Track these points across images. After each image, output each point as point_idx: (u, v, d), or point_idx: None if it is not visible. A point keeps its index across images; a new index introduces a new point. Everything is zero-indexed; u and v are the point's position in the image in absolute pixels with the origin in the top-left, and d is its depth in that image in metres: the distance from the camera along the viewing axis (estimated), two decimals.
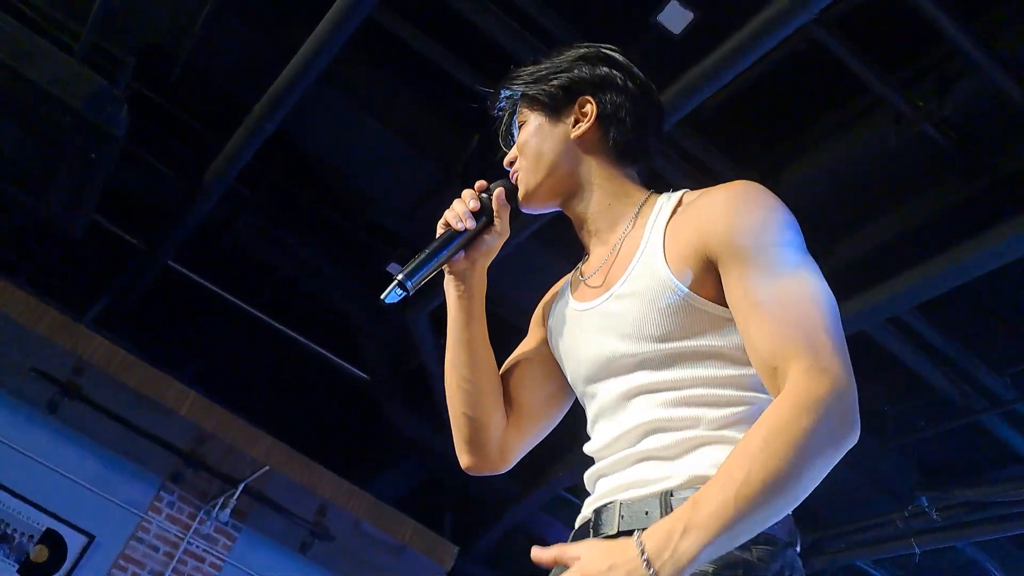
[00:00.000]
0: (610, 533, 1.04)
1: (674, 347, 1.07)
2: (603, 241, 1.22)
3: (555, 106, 1.25)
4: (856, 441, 0.97)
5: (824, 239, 4.08)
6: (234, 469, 4.91)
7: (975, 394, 4.24)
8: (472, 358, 1.23)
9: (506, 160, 1.30)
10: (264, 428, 4.78)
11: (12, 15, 3.97)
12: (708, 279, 1.07)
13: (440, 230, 1.21)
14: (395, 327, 4.95)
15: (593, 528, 1.08)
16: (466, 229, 1.20)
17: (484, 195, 1.24)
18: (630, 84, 1.25)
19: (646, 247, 1.13)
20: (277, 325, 4.93)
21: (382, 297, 1.16)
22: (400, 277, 1.14)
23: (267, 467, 4.74)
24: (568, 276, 1.32)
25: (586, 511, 1.13)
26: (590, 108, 1.23)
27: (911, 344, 4.13)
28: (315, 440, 4.98)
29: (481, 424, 1.24)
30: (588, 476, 1.17)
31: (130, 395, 4.51)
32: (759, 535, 0.94)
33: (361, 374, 5.28)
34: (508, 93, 1.31)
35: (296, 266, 4.73)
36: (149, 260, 4.72)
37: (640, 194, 1.24)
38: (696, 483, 1.00)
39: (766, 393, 1.06)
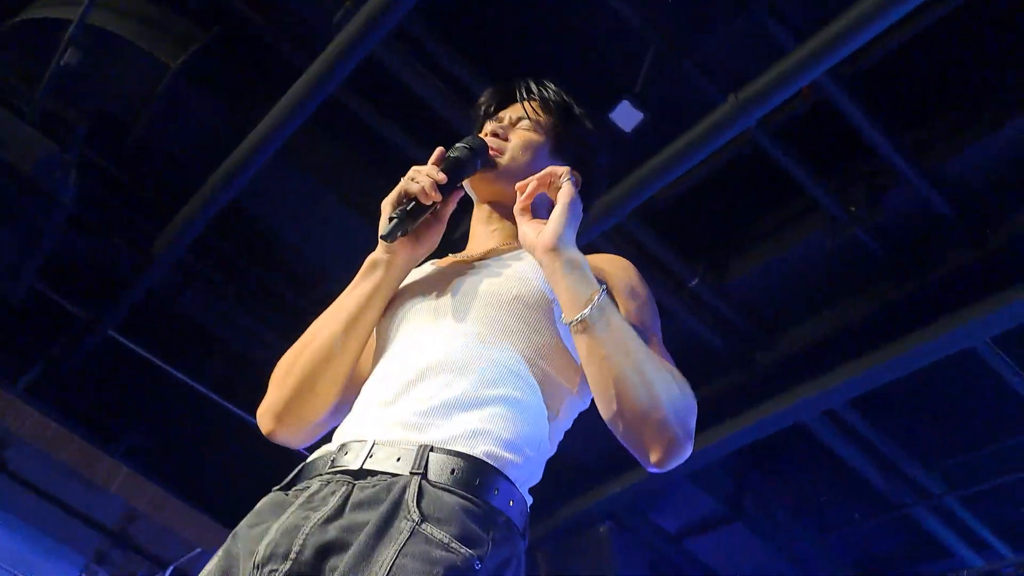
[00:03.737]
0: (354, 468, 1.01)
1: (525, 326, 1.12)
2: (490, 243, 1.30)
3: (559, 150, 1.33)
4: (681, 456, 1.07)
5: (765, 333, 4.23)
6: (165, 550, 4.70)
7: (906, 488, 4.37)
8: (363, 333, 1.20)
9: (505, 121, 1.32)
10: (200, 508, 4.60)
11: None
12: None
13: (391, 201, 1.18)
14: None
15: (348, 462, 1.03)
16: (434, 203, 1.17)
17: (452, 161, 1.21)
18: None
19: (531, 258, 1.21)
20: (220, 400, 4.80)
21: (383, 236, 1.15)
22: (397, 219, 1.14)
23: (199, 549, 4.55)
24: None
25: (336, 442, 1.08)
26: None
27: (846, 437, 4.26)
28: None
29: (322, 396, 1.19)
30: (354, 408, 1.14)
31: (58, 470, 4.31)
32: (501, 517, 0.98)
33: (306, 453, 5.15)
34: (547, 99, 1.35)
35: (245, 340, 4.65)
36: (89, 329, 4.59)
37: None
38: (456, 443, 1.01)
39: (546, 423, 1.12)
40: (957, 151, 3.61)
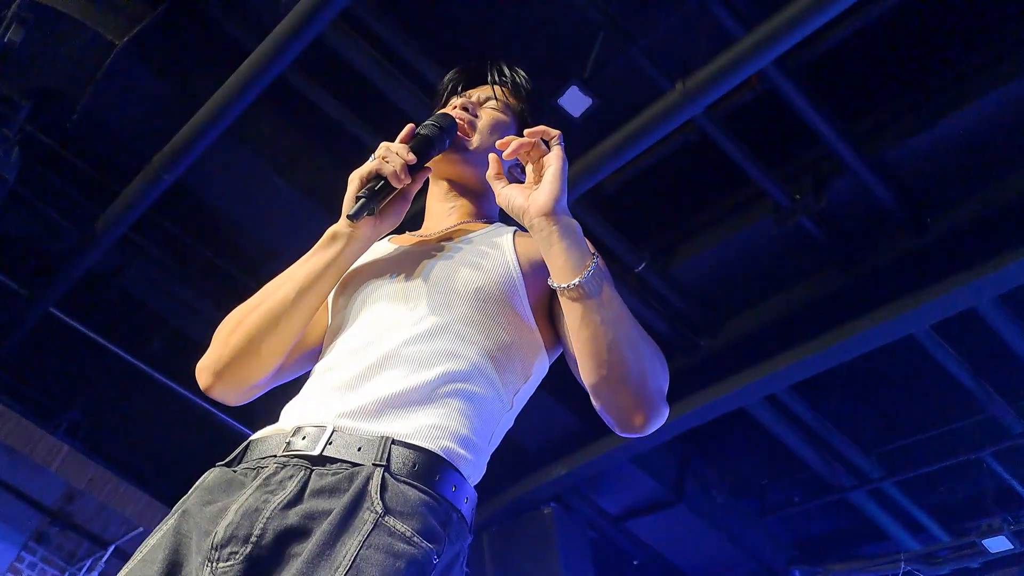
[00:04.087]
0: (313, 455, 1.01)
1: (477, 312, 1.13)
2: (450, 221, 1.30)
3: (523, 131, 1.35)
4: (660, 420, 1.10)
5: (710, 319, 4.27)
6: (105, 529, 4.66)
7: (845, 472, 4.45)
8: (314, 302, 1.19)
9: (473, 99, 1.33)
10: (141, 486, 4.57)
11: None
12: (542, 283, 1.15)
13: (359, 178, 1.16)
14: (286, 385, 4.86)
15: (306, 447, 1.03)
16: (398, 185, 1.15)
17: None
18: None
19: (495, 234, 1.22)
20: (162, 378, 4.76)
21: (349, 215, 1.13)
22: (365, 198, 1.12)
23: (140, 528, 4.52)
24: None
25: (290, 423, 1.07)
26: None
27: (787, 422, 4.33)
28: None
29: (264, 359, 1.18)
30: (298, 396, 1.14)
31: None
32: (455, 513, 1.01)
33: (247, 431, 5.14)
34: (517, 84, 1.37)
35: (188, 318, 4.62)
36: (30, 306, 4.53)
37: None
38: (417, 437, 1.02)
39: (500, 416, 1.14)
40: (899, 141, 3.67)
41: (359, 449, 1.00)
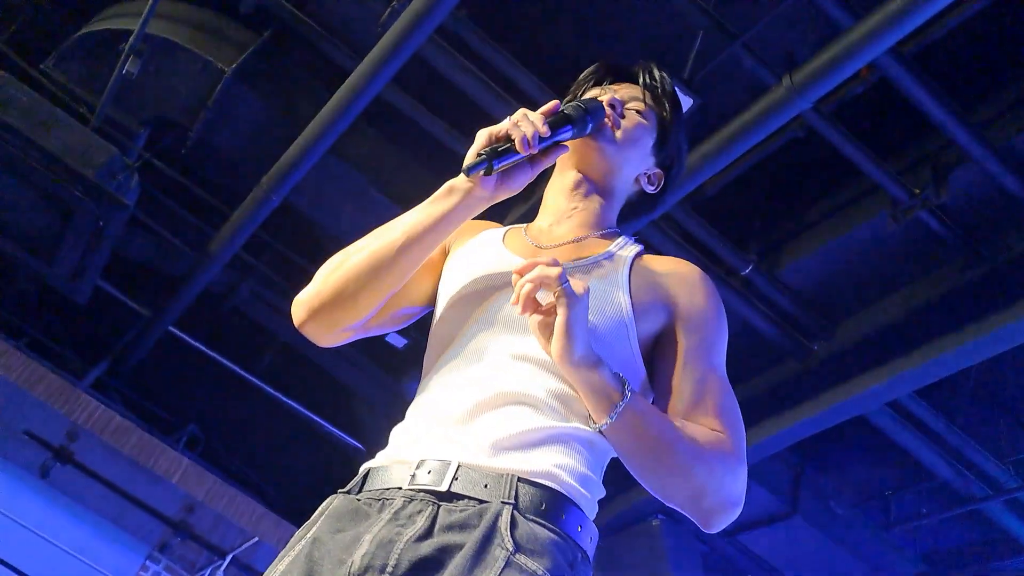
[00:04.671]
0: (440, 490, 1.02)
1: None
2: (569, 225, 1.26)
3: (660, 148, 1.33)
4: (729, 520, 1.11)
5: (823, 322, 4.10)
6: (223, 539, 4.83)
7: (976, 481, 4.19)
8: (418, 254, 1.16)
9: (619, 97, 1.29)
10: (255, 497, 4.72)
11: (32, 87, 4.09)
12: (651, 323, 1.16)
13: (488, 135, 1.10)
14: (392, 396, 4.94)
15: (424, 480, 1.03)
16: (523, 152, 1.09)
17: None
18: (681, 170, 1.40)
19: (616, 265, 1.19)
20: (273, 392, 4.92)
21: (464, 169, 1.08)
22: (485, 156, 1.07)
23: (256, 538, 4.66)
24: (493, 226, 1.33)
25: (412, 455, 1.07)
26: (660, 177, 1.35)
27: (912, 429, 4.10)
28: (307, 511, 4.88)
29: (360, 306, 1.16)
30: (415, 420, 1.14)
31: (123, 462, 4.48)
32: (580, 551, 1.03)
33: (357, 444, 5.25)
34: (667, 92, 1.33)
35: (296, 333, 4.73)
36: (151, 326, 4.75)
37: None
38: (543, 476, 1.03)
39: (609, 452, 1.14)
40: None
41: (485, 486, 1.01)
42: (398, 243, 1.14)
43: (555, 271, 1.02)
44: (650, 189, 1.33)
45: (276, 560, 1.04)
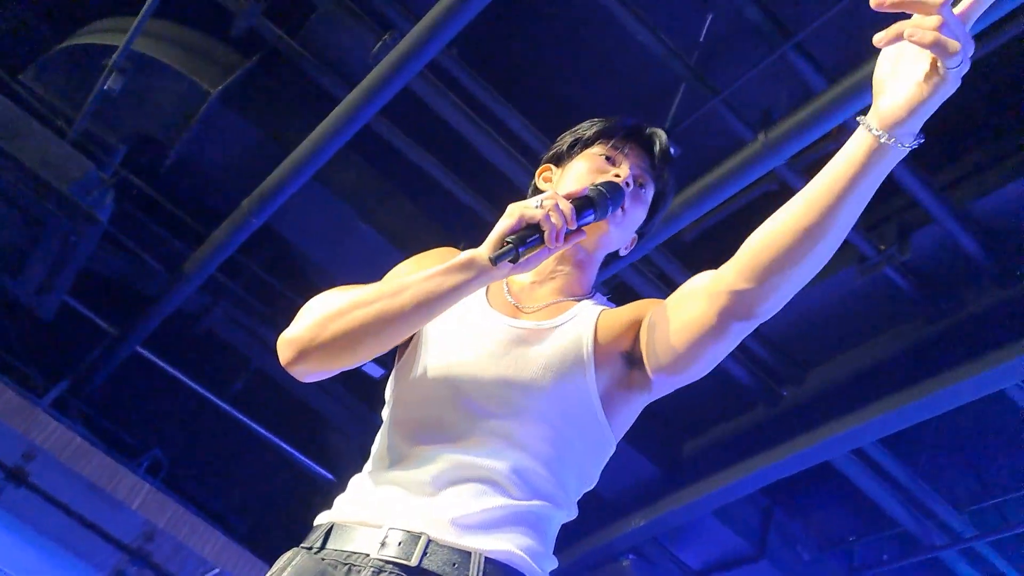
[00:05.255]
0: (411, 565, 1.05)
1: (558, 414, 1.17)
2: (551, 287, 1.31)
3: (652, 213, 1.40)
4: None
5: (794, 369, 4.20)
6: (182, 569, 4.68)
7: (936, 530, 4.29)
8: (426, 320, 1.18)
9: (631, 169, 1.34)
10: (218, 526, 4.60)
11: (9, 96, 4.02)
12: (613, 373, 1.20)
13: (518, 218, 1.11)
14: (366, 426, 4.89)
15: (386, 553, 1.06)
16: (550, 247, 1.12)
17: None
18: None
19: (579, 326, 1.24)
20: (242, 418, 4.83)
21: (491, 257, 1.10)
22: (512, 245, 1.09)
23: (217, 569, 4.54)
24: None
25: (374, 528, 1.09)
26: (635, 242, 1.43)
27: (876, 476, 4.20)
28: (273, 542, 4.79)
29: (358, 355, 1.17)
30: (380, 479, 1.16)
31: (81, 485, 4.33)
32: None
33: (327, 474, 5.16)
34: (668, 163, 1.39)
35: (270, 359, 4.68)
36: (117, 345, 4.64)
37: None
38: (507, 557, 1.07)
39: (564, 521, 1.21)
40: (986, 191, 3.61)
41: (454, 564, 1.05)
42: (408, 307, 1.14)
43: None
44: (623, 254, 1.41)
45: None
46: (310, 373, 1.19)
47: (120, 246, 4.54)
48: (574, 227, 1.13)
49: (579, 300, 1.29)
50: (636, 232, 1.38)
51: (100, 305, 4.76)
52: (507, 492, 1.12)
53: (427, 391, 1.20)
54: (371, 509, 1.12)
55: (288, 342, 1.18)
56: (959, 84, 0.94)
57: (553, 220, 1.10)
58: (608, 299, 1.35)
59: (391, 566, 1.05)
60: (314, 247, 4.43)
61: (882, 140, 0.95)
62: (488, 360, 1.19)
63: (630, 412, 1.24)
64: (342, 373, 1.24)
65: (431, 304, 1.14)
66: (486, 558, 1.06)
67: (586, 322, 1.23)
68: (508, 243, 1.09)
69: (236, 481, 5.21)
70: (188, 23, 4.19)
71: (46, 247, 4.17)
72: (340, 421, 4.94)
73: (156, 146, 4.32)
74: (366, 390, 4.79)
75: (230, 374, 5.03)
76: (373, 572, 1.04)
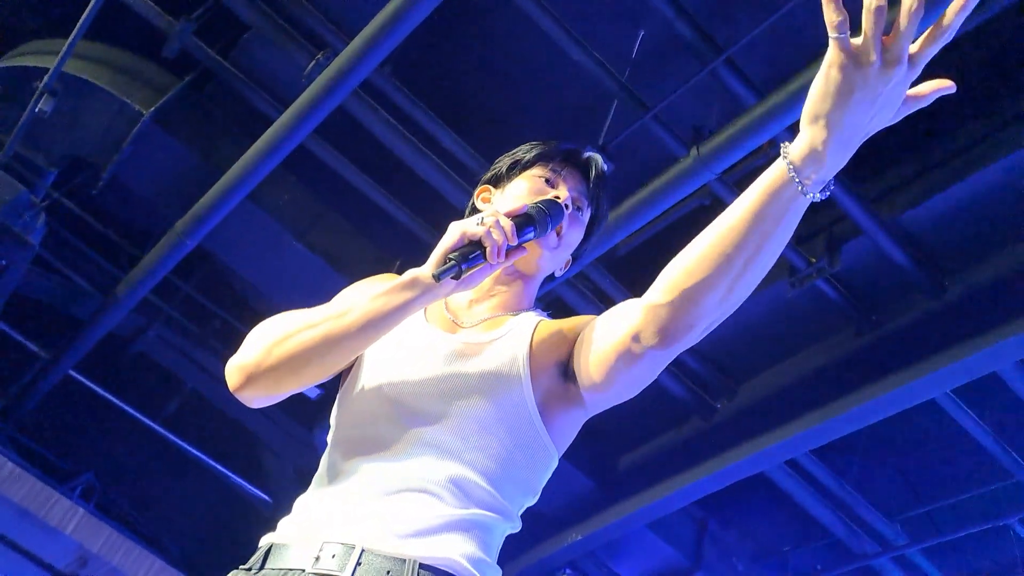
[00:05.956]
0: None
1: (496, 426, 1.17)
2: (489, 305, 1.32)
3: (588, 235, 1.42)
4: None
5: (727, 382, 4.25)
6: None
7: (868, 538, 4.36)
8: (373, 341, 1.19)
9: (570, 191, 1.35)
10: (154, 550, 4.54)
11: None
12: (552, 384, 1.20)
13: (460, 235, 1.13)
14: (303, 447, 4.86)
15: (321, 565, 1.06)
16: (492, 263, 1.14)
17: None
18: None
19: (515, 339, 1.24)
20: (176, 440, 4.77)
21: (434, 274, 1.11)
22: (454, 262, 1.10)
23: None
24: None
25: (310, 544, 1.09)
26: (569, 264, 1.44)
27: (808, 487, 4.26)
28: (209, 565, 4.74)
29: (303, 379, 1.18)
30: (320, 496, 1.17)
31: (12, 511, 4.25)
32: None
33: (263, 496, 5.11)
34: (604, 187, 1.41)
35: (205, 380, 4.64)
36: (49, 368, 4.58)
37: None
38: (444, 563, 1.07)
39: (507, 531, 1.21)
40: (915, 203, 3.67)
41: (388, 572, 1.04)
42: (354, 328, 1.15)
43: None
44: (558, 275, 1.43)
45: None
46: (258, 398, 1.20)
47: (52, 269, 4.49)
48: (515, 243, 1.16)
49: (516, 314, 1.31)
50: (571, 255, 1.40)
51: (31, 328, 4.69)
52: (445, 501, 1.11)
53: (367, 408, 1.20)
54: (309, 526, 1.12)
55: (235, 368, 1.19)
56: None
57: (494, 236, 1.12)
58: (548, 315, 1.36)
59: None
60: (249, 268, 4.40)
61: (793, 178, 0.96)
62: (426, 374, 1.20)
63: (569, 424, 1.23)
64: None
65: (377, 323, 1.15)
66: (420, 564, 1.05)
67: (522, 334, 1.24)
68: (451, 260, 1.11)
69: (171, 504, 5.15)
70: (120, 44, 4.17)
71: None
72: (276, 442, 4.90)
73: (88, 168, 4.29)
74: (303, 411, 4.76)
75: (164, 396, 4.98)
76: None
